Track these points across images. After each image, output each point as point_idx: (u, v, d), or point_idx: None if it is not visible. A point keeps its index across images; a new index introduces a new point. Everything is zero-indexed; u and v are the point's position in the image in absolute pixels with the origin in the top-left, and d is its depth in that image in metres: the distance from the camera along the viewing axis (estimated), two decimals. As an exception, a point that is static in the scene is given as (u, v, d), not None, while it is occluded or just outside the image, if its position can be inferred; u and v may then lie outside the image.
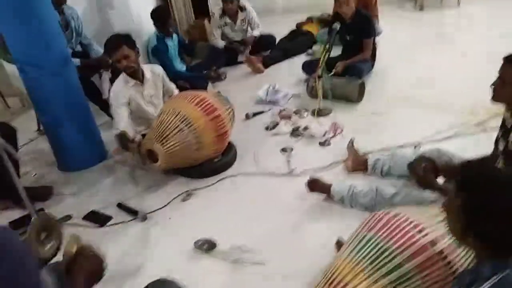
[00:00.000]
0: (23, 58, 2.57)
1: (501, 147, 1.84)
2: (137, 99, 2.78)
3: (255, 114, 3.36)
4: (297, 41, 4.42)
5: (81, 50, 3.53)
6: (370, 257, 1.37)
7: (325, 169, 2.60)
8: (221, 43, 4.40)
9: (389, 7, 5.41)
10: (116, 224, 2.40)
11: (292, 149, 2.84)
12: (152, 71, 2.88)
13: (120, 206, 2.51)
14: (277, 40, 4.60)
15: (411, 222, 1.42)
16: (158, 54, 3.75)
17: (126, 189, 2.71)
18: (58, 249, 1.23)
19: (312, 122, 3.11)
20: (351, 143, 2.64)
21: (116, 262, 2.11)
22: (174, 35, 3.89)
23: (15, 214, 2.53)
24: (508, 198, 0.98)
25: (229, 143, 2.87)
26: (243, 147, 2.94)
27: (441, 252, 1.33)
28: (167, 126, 2.47)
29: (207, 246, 2.11)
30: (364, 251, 1.40)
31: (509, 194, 0.99)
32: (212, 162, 2.70)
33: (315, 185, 2.34)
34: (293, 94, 3.57)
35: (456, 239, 1.12)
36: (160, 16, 3.72)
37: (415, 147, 2.65)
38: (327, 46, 3.21)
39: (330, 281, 1.39)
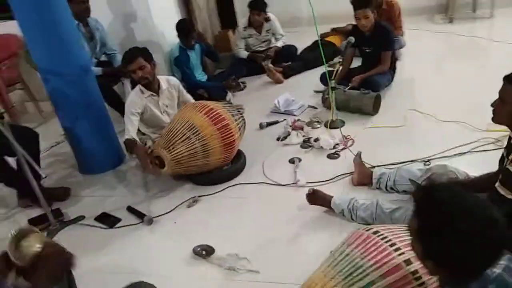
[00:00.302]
0: (45, 67, 2.76)
1: None
2: (152, 108, 2.90)
3: (269, 124, 3.40)
4: (318, 52, 4.41)
5: (106, 60, 3.71)
6: (344, 272, 1.39)
7: (330, 182, 2.61)
8: (243, 54, 4.49)
9: (418, 19, 5.33)
10: (124, 226, 2.51)
11: (300, 160, 2.86)
12: (169, 82, 3.00)
13: (130, 209, 2.62)
14: (300, 51, 4.64)
15: (389, 240, 1.42)
16: (180, 64, 3.88)
17: (138, 193, 2.82)
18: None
19: (324, 134, 3.11)
20: (358, 156, 2.62)
21: (118, 263, 2.22)
22: (197, 46, 4.01)
23: (35, 212, 2.71)
24: (461, 223, 0.96)
25: (239, 151, 2.93)
26: (253, 156, 2.99)
27: (415, 272, 1.33)
28: (175, 134, 2.57)
29: (205, 252, 2.18)
30: (339, 266, 1.42)
31: (462, 220, 0.97)
32: (221, 170, 2.77)
33: (315, 198, 2.35)
34: (309, 105, 3.59)
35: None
36: (183, 28, 3.84)
37: (424, 163, 2.62)
38: (341, 59, 3.22)
39: (303, 293, 1.41)
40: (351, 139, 3.03)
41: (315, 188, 2.39)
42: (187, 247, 2.21)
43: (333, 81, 3.13)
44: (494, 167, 1.92)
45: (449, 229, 0.97)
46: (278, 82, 4.21)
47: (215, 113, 2.66)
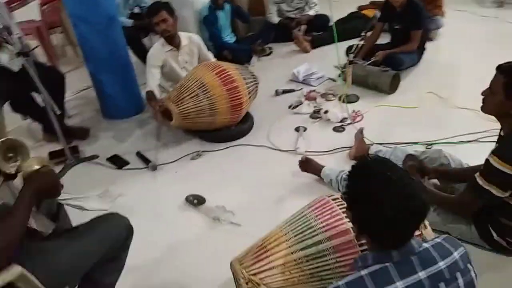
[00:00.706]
0: (75, 14, 2.95)
1: None
2: (172, 63, 3.04)
3: (284, 92, 3.47)
4: (351, 25, 4.35)
5: (139, 12, 3.86)
6: (297, 230, 1.49)
7: (328, 153, 2.68)
8: (275, 19, 4.49)
9: (466, 1, 5.08)
10: (131, 169, 2.73)
11: (305, 129, 2.94)
12: (190, 39, 3.11)
13: (139, 154, 2.82)
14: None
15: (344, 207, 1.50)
16: (208, 23, 3.97)
17: (149, 141, 3.02)
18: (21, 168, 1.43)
19: (336, 107, 3.15)
20: (359, 132, 2.66)
21: (118, 200, 2.44)
22: (227, 7, 4.06)
23: (57, 146, 2.96)
24: (377, 193, 1.01)
25: (248, 114, 3.05)
26: (262, 120, 3.11)
27: (359, 239, 1.41)
28: (185, 90, 2.70)
29: (196, 202, 2.35)
30: (294, 224, 1.52)
31: (380, 190, 1.01)
32: (227, 129, 2.90)
33: (306, 166, 2.44)
34: (329, 77, 3.60)
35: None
36: None
37: (426, 146, 2.62)
38: (363, 33, 3.18)
39: (259, 246, 1.54)
40: (361, 115, 3.05)
41: (309, 156, 2.48)
42: (182, 195, 2.39)
43: (352, 55, 3.13)
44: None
45: (367, 198, 1.03)
46: (305, 51, 4.22)
47: (226, 74, 2.76)
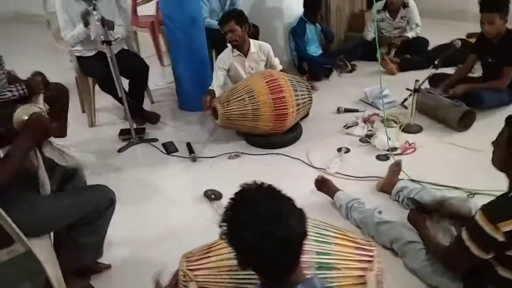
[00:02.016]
0: (165, 13, 3.37)
1: None
2: (238, 68, 3.24)
3: (346, 110, 3.40)
4: (449, 53, 3.99)
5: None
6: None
7: (357, 179, 2.59)
8: (370, 36, 4.37)
9: None
10: (176, 156, 3.02)
11: (347, 151, 2.87)
12: (259, 47, 3.27)
13: (188, 145, 3.10)
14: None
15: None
16: (294, 34, 4.07)
17: (203, 135, 3.29)
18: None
19: (392, 135, 2.99)
20: (395, 164, 2.51)
21: (152, 179, 2.75)
22: (317, 25, 4.10)
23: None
24: (238, 212, 1.04)
25: (298, 125, 3.13)
26: (310, 134, 3.15)
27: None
28: (235, 93, 2.89)
29: (213, 196, 2.51)
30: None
31: (239, 209, 1.03)
32: (271, 137, 2.99)
33: (322, 185, 2.42)
34: (401, 104, 3.37)
35: None
36: (311, 5, 3.97)
37: (468, 195, 2.36)
38: (436, 61, 2.95)
39: (209, 245, 1.63)
40: (414, 147, 2.86)
41: (325, 177, 2.45)
42: (204, 188, 2.56)
43: (419, 83, 2.94)
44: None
45: (232, 223, 1.04)
46: (391, 73, 4.03)
47: (275, 83, 2.86)
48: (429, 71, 3.10)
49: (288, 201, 1.09)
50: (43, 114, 1.68)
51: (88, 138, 3.38)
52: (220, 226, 1.06)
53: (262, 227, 0.99)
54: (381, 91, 2.99)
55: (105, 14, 2.94)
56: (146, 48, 5.05)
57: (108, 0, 3.31)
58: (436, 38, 4.41)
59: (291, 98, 2.88)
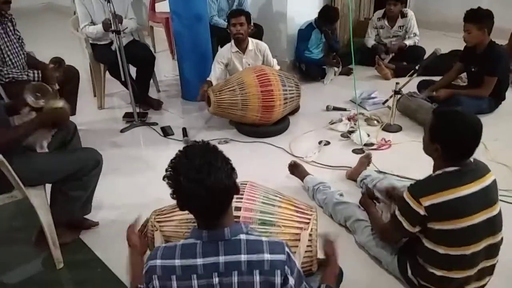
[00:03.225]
0: (173, 10, 3.67)
1: None
2: (236, 63, 3.51)
3: (335, 108, 3.63)
4: (444, 62, 4.16)
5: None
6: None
7: (329, 168, 2.83)
8: (370, 42, 4.58)
9: None
10: (171, 139, 3.31)
11: (327, 144, 3.10)
12: (256, 45, 3.54)
13: (183, 130, 3.38)
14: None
15: (242, 192, 1.75)
16: (299, 36, 4.31)
17: (199, 122, 3.58)
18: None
19: (372, 132, 3.21)
20: (365, 156, 2.73)
21: (147, 158, 3.03)
22: (323, 34, 4.30)
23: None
24: (177, 161, 1.20)
25: (286, 118, 3.38)
26: (297, 127, 3.42)
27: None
28: (227, 84, 3.16)
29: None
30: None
31: (178, 159, 1.21)
32: (260, 127, 3.25)
33: (294, 169, 2.66)
34: (384, 104, 3.59)
35: None
36: (326, 16, 4.11)
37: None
38: (417, 67, 3.15)
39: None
40: (389, 144, 3.06)
41: (298, 162, 2.69)
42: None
43: (399, 85, 3.15)
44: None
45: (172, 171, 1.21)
46: (385, 78, 4.23)
47: (265, 77, 3.11)
48: (410, 77, 3.30)
49: (223, 159, 1.24)
50: (66, 110, 2.05)
51: (96, 118, 3.71)
52: (166, 171, 1.25)
53: (194, 175, 1.14)
54: (355, 94, 3.23)
55: (117, 9, 3.26)
56: (161, 42, 5.42)
57: (121, -3, 3.67)
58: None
59: (279, 92, 3.13)
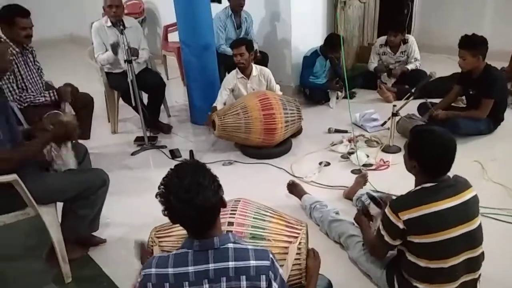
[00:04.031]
0: (182, 39, 3.89)
1: None
2: (241, 88, 3.68)
3: (336, 131, 3.74)
4: (445, 84, 4.25)
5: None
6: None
7: (328, 188, 2.93)
8: (372, 67, 4.72)
9: None
10: (179, 161, 3.46)
11: (327, 165, 3.21)
12: (260, 71, 3.71)
13: (190, 152, 3.54)
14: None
15: (235, 208, 1.88)
16: (304, 63, 4.47)
17: (206, 145, 3.74)
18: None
19: (371, 153, 3.30)
20: (361, 176, 2.83)
21: (154, 179, 3.17)
22: (328, 61, 4.45)
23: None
24: (167, 180, 1.32)
25: (288, 140, 3.52)
26: (299, 149, 3.55)
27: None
28: (232, 108, 3.33)
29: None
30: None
31: (168, 178, 1.31)
32: (263, 149, 3.38)
33: (292, 188, 2.77)
34: (385, 126, 3.69)
35: None
36: (331, 43, 4.24)
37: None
38: (413, 90, 3.26)
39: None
40: (388, 165, 3.15)
41: (296, 182, 2.80)
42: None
43: (396, 108, 3.26)
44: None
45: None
46: (387, 101, 4.33)
47: (267, 102, 3.27)
48: (406, 99, 3.41)
49: (211, 177, 1.34)
50: (73, 123, 2.21)
51: (109, 142, 3.91)
52: (158, 188, 1.33)
53: (183, 195, 1.24)
54: (350, 116, 3.32)
55: (131, 40, 3.51)
56: (173, 70, 5.66)
57: (136, 28, 3.92)
58: (443, 72, 4.62)
59: (280, 115, 3.27)
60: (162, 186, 1.32)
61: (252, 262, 1.28)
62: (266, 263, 1.29)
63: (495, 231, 2.40)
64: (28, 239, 2.62)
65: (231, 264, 1.28)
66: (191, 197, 1.24)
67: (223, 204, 1.38)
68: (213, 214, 1.33)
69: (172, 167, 1.36)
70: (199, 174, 1.31)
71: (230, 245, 1.31)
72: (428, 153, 1.70)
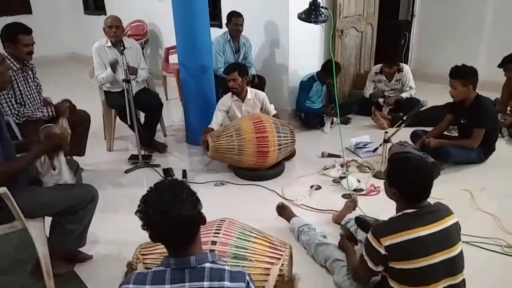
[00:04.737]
0: (181, 61, 3.97)
1: None
2: (235, 111, 3.74)
3: (329, 155, 3.77)
4: (439, 113, 4.31)
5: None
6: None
7: (317, 211, 2.94)
8: (367, 94, 4.79)
9: None
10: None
11: (318, 188, 3.23)
12: (255, 94, 3.78)
13: (183, 172, 3.56)
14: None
15: (220, 228, 1.90)
16: (301, 87, 4.54)
17: (199, 165, 3.77)
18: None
19: (363, 178, 3.33)
20: (351, 201, 2.84)
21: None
22: (325, 86, 4.55)
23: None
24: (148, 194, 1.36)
25: (281, 163, 3.55)
26: (292, 172, 3.58)
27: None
28: (225, 130, 3.37)
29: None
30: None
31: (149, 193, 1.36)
32: (255, 171, 3.41)
33: (281, 211, 2.78)
34: (377, 153, 3.72)
35: None
36: (326, 70, 4.30)
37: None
38: (405, 118, 3.31)
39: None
40: (379, 190, 3.17)
41: (285, 204, 2.81)
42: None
43: (388, 134, 3.30)
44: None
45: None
46: (382, 128, 4.38)
47: (260, 125, 3.31)
48: (397, 127, 3.46)
49: (188, 191, 1.36)
50: (64, 134, 2.26)
51: (104, 159, 3.95)
52: (138, 206, 1.35)
53: (161, 207, 1.27)
54: (341, 142, 3.31)
55: (130, 60, 3.60)
56: (173, 91, 5.75)
57: (136, 49, 4.02)
58: (438, 101, 4.69)
59: (273, 138, 3.31)
60: (141, 202, 1.35)
61: (227, 283, 1.29)
62: (241, 285, 1.30)
63: (482, 260, 2.41)
64: (15, 253, 2.62)
65: (206, 284, 1.28)
66: (169, 209, 1.27)
67: (203, 219, 1.40)
68: (191, 227, 1.34)
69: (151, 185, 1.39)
70: (177, 189, 1.35)
71: (207, 265, 1.32)
72: (405, 179, 1.74)
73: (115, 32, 3.77)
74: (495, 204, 2.96)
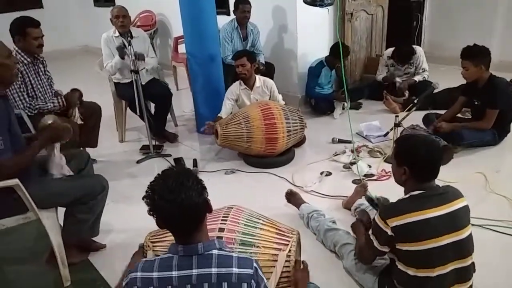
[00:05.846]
0: (188, 50, 3.98)
1: None
2: (244, 99, 3.73)
3: (340, 141, 3.74)
4: (452, 95, 4.22)
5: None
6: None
7: (327, 197, 2.93)
8: (380, 78, 4.72)
9: None
10: (182, 169, 3.51)
11: (328, 174, 3.21)
12: (264, 82, 3.76)
13: (194, 161, 3.57)
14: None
15: (227, 215, 1.91)
16: (309, 73, 4.50)
17: (210, 154, 3.79)
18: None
19: (374, 164, 3.30)
20: (361, 186, 2.81)
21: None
22: (334, 71, 4.50)
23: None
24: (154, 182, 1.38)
25: (291, 150, 3.54)
26: (302, 158, 3.56)
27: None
28: (234, 118, 3.37)
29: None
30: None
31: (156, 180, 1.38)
32: (265, 158, 3.41)
33: (290, 197, 2.78)
34: (388, 137, 3.68)
35: None
36: (334, 53, 4.21)
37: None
38: (415, 101, 3.25)
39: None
40: (389, 175, 3.13)
41: (294, 191, 2.81)
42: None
43: (398, 118, 3.25)
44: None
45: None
46: (394, 112, 4.30)
47: (269, 111, 3.30)
48: (408, 110, 3.39)
49: (194, 179, 1.38)
50: (57, 124, 2.26)
51: (116, 151, 3.99)
52: (145, 192, 1.38)
53: (167, 194, 1.29)
54: (351, 128, 3.24)
55: (138, 49, 3.61)
56: (183, 81, 5.75)
57: (143, 38, 4.03)
58: (452, 83, 4.57)
59: (282, 125, 3.30)
60: (148, 189, 1.37)
61: (235, 270, 1.29)
62: (249, 271, 1.31)
63: (494, 243, 2.38)
64: (30, 243, 2.69)
65: (214, 270, 1.30)
66: (175, 196, 1.29)
67: (209, 207, 1.40)
68: (196, 215, 1.35)
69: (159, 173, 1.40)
70: (183, 177, 1.35)
71: (215, 252, 1.33)
72: (415, 154, 1.73)
73: (122, 21, 3.78)
74: (510, 186, 2.89)
